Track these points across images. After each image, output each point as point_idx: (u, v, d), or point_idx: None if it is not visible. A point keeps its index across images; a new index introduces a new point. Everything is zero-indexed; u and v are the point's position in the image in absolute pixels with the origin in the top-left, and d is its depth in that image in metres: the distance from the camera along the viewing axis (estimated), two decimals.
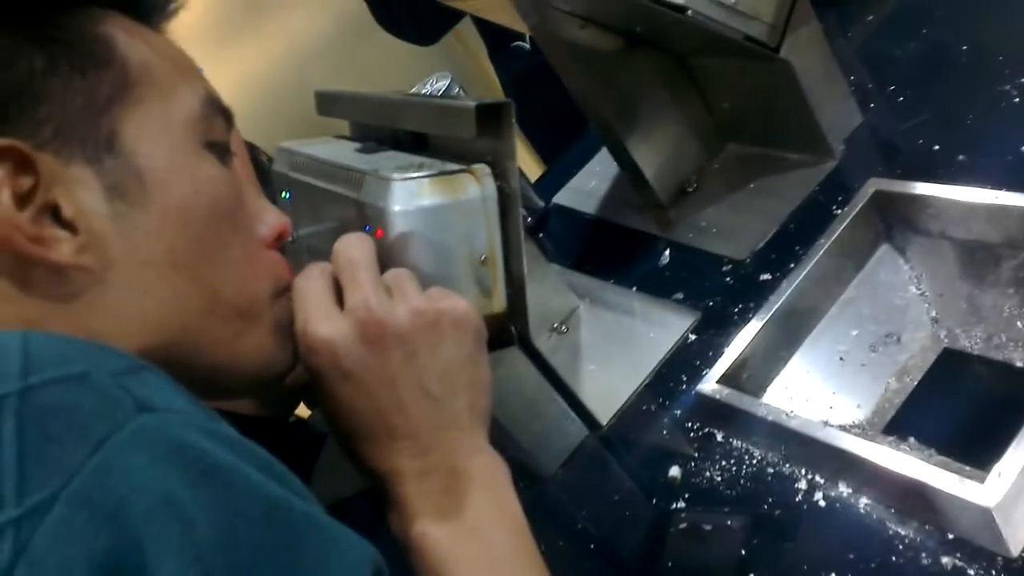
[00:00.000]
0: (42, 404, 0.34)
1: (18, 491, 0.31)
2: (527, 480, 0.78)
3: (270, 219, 0.55)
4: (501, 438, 0.80)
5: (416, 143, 0.75)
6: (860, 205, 0.77)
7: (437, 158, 0.68)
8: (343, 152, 0.75)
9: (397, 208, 0.61)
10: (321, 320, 0.51)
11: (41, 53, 0.44)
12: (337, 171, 0.69)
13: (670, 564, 0.63)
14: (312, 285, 0.54)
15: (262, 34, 2.36)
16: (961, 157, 0.76)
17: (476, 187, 0.64)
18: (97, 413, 0.34)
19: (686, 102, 0.95)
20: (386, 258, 0.63)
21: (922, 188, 0.74)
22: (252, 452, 0.37)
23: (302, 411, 0.97)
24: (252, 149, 1.66)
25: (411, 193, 0.62)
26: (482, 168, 0.64)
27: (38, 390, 0.34)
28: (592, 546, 0.69)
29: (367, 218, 0.64)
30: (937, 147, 0.79)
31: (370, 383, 0.51)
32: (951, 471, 0.53)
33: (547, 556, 0.70)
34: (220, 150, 0.52)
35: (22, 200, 0.42)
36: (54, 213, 0.44)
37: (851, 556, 0.55)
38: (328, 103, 0.85)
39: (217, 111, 0.52)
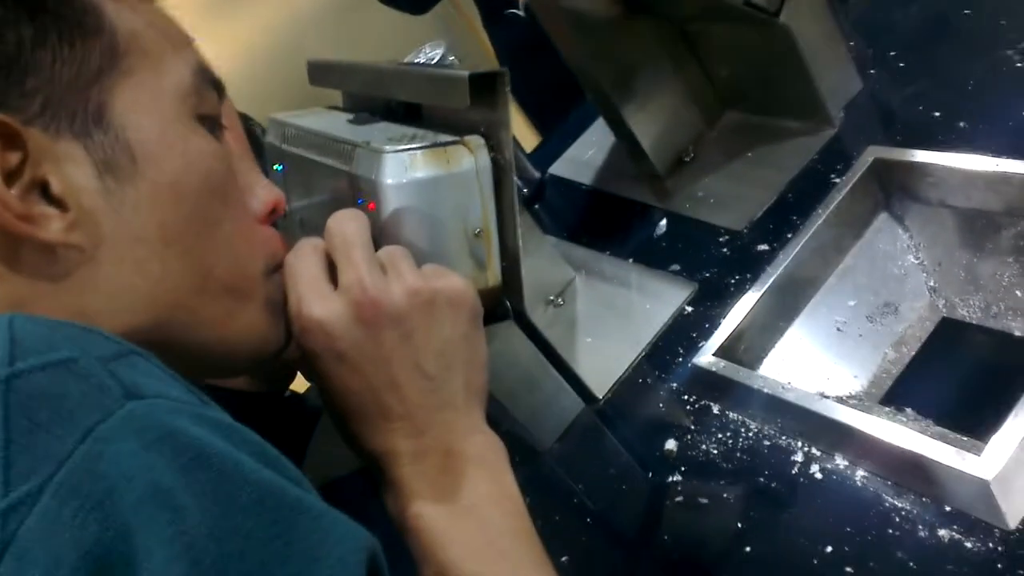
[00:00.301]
0: (29, 391, 0.33)
1: (4, 481, 0.31)
2: (523, 454, 0.77)
3: (263, 193, 0.54)
4: (497, 412, 0.79)
5: (409, 113, 0.73)
6: (859, 174, 0.77)
7: (430, 129, 0.67)
8: (335, 123, 0.74)
9: (389, 181, 0.60)
10: (315, 300, 0.50)
11: (29, 22, 0.43)
12: (329, 143, 0.68)
13: (666, 537, 0.63)
14: (304, 263, 0.53)
15: (255, 2, 2.32)
16: (961, 124, 0.75)
17: (470, 159, 0.63)
18: (85, 400, 0.33)
19: (684, 70, 0.93)
20: (378, 232, 0.62)
21: (921, 156, 0.73)
22: (244, 437, 0.36)
23: (298, 385, 0.97)
24: (246, 120, 1.65)
25: (403, 165, 0.61)
26: (476, 139, 0.63)
27: (24, 377, 0.33)
28: (589, 519, 0.69)
29: (359, 191, 0.63)
30: (937, 114, 0.78)
31: (365, 364, 0.50)
32: (948, 442, 0.53)
33: (543, 530, 0.70)
34: (211, 123, 0.51)
35: (9, 176, 0.41)
36: (43, 189, 0.43)
37: (848, 528, 0.55)
38: (320, 73, 0.83)
39: (208, 83, 0.51)
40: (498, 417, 0.81)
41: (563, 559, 0.67)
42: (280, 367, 0.74)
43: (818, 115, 0.85)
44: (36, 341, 0.35)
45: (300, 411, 0.66)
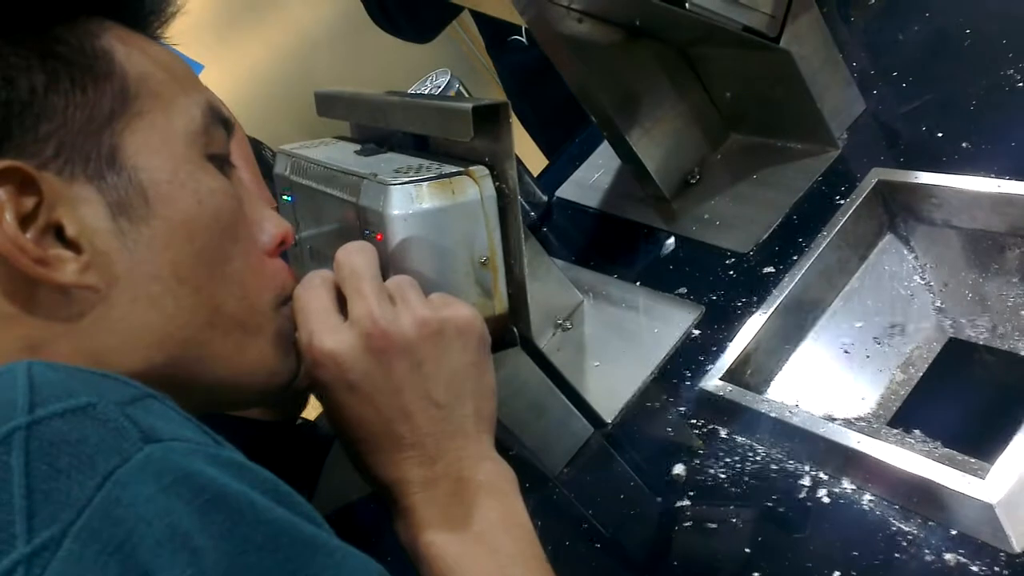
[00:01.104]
0: (50, 437, 0.34)
1: (28, 528, 0.32)
2: (533, 480, 0.78)
3: (271, 227, 0.55)
4: (506, 438, 0.80)
5: (417, 142, 0.75)
6: (863, 195, 0.77)
7: (437, 159, 0.68)
8: (342, 155, 0.75)
9: (396, 212, 0.61)
10: (326, 333, 0.51)
11: (42, 69, 0.44)
12: (336, 175, 0.69)
13: (675, 562, 0.63)
14: (314, 295, 0.54)
15: (264, 28, 2.35)
16: (965, 145, 0.75)
17: (474, 189, 0.64)
18: (104, 445, 0.34)
19: (687, 93, 0.94)
20: (386, 262, 0.63)
21: (925, 177, 0.74)
22: (258, 476, 0.37)
23: (310, 411, 0.97)
24: (256, 145, 1.67)
25: (409, 197, 0.62)
26: (480, 170, 0.64)
27: (45, 423, 0.34)
28: (598, 545, 0.69)
29: (366, 222, 0.64)
30: (941, 135, 0.78)
31: (376, 394, 0.51)
32: (955, 465, 0.53)
33: (554, 555, 0.71)
34: (220, 161, 0.52)
35: (25, 221, 0.43)
36: (57, 232, 0.44)
37: (855, 553, 0.55)
38: (327, 104, 0.85)
39: (218, 121, 0.52)
40: (507, 443, 0.82)
41: None
42: (292, 395, 0.75)
43: (821, 137, 0.86)
44: (55, 387, 0.36)
45: (312, 438, 0.67)
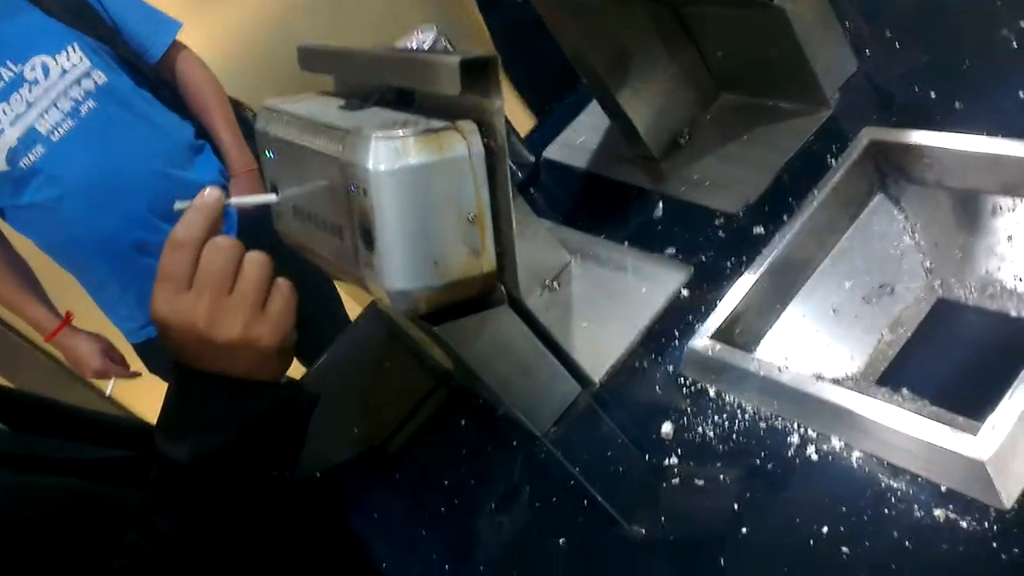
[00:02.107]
0: None
1: None
2: (520, 439, 0.78)
3: None
4: (493, 398, 0.80)
5: (401, 99, 0.73)
6: (855, 155, 0.76)
7: (423, 115, 0.67)
8: (326, 110, 0.73)
9: (381, 168, 0.60)
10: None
11: None
12: (319, 129, 0.67)
13: (663, 519, 0.63)
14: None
15: None
16: (957, 104, 0.74)
17: (462, 144, 0.62)
18: None
19: (679, 52, 0.93)
20: (370, 218, 0.62)
21: (918, 136, 0.73)
22: None
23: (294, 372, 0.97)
24: (237, 106, 1.64)
25: (395, 152, 0.60)
26: (468, 124, 0.63)
27: None
28: (586, 502, 0.69)
29: (351, 177, 0.62)
30: (933, 94, 0.77)
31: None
32: (944, 423, 0.53)
33: (542, 512, 0.71)
34: None
35: None
36: None
37: (843, 509, 0.55)
38: (311, 58, 0.83)
39: None
40: (494, 401, 0.81)
41: (560, 541, 0.67)
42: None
43: (814, 96, 0.85)
44: None
45: (298, 397, 0.67)
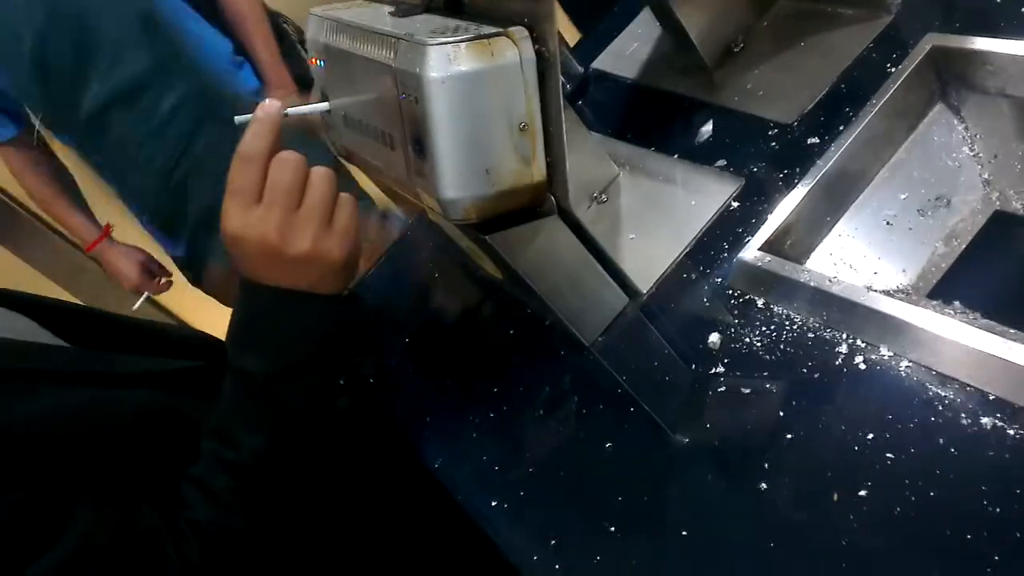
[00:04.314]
0: None
1: None
2: (568, 348, 0.79)
3: None
4: (541, 307, 0.81)
5: (450, 5, 0.72)
6: (915, 62, 0.74)
7: (472, 21, 0.66)
8: (376, 17, 0.73)
9: (433, 74, 0.60)
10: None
11: None
12: (371, 36, 0.67)
13: (708, 426, 0.65)
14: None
15: None
16: None
17: (513, 51, 0.62)
18: None
19: None
20: (422, 126, 0.62)
21: (981, 43, 0.70)
22: None
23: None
24: (275, 18, 1.62)
25: (447, 58, 0.60)
26: (519, 31, 0.62)
27: None
28: (632, 410, 0.70)
29: (403, 85, 0.63)
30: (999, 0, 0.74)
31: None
32: (995, 333, 0.53)
33: (589, 419, 0.72)
34: None
35: None
36: None
37: (889, 416, 0.56)
38: None
39: None
40: (542, 311, 0.83)
41: (607, 446, 0.69)
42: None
43: (874, 1, 0.82)
44: None
45: (359, 308, 0.69)
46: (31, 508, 0.55)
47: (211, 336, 0.87)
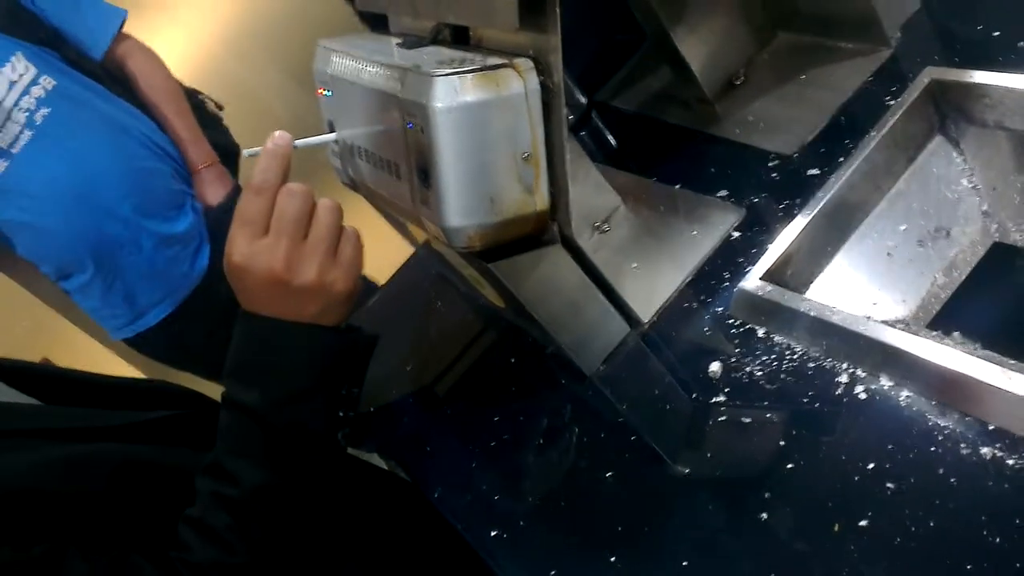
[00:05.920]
0: None
1: None
2: (569, 376, 0.79)
3: None
4: (543, 336, 0.81)
5: (457, 38, 0.74)
6: (915, 95, 0.75)
7: (478, 53, 0.67)
8: (383, 48, 0.74)
9: (439, 105, 0.61)
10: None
11: None
12: (378, 68, 0.68)
13: (709, 455, 0.65)
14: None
15: None
16: (1021, 44, 0.72)
17: (519, 82, 0.63)
18: None
19: None
20: (427, 155, 0.63)
21: (979, 76, 0.71)
22: None
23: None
24: (192, 96, 1.59)
25: (453, 89, 0.61)
26: (525, 62, 0.63)
27: None
28: (633, 438, 0.71)
29: (409, 115, 0.64)
30: (997, 33, 0.75)
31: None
32: (994, 363, 0.53)
33: (590, 447, 0.72)
34: None
35: None
36: None
37: (890, 446, 0.56)
38: None
39: None
40: (544, 340, 0.83)
41: (607, 475, 0.69)
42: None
43: (874, 35, 0.83)
44: None
45: (360, 339, 0.69)
46: (21, 566, 0.54)
47: (185, 387, 0.86)
